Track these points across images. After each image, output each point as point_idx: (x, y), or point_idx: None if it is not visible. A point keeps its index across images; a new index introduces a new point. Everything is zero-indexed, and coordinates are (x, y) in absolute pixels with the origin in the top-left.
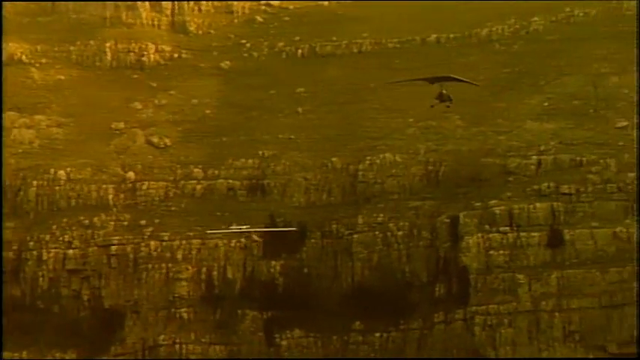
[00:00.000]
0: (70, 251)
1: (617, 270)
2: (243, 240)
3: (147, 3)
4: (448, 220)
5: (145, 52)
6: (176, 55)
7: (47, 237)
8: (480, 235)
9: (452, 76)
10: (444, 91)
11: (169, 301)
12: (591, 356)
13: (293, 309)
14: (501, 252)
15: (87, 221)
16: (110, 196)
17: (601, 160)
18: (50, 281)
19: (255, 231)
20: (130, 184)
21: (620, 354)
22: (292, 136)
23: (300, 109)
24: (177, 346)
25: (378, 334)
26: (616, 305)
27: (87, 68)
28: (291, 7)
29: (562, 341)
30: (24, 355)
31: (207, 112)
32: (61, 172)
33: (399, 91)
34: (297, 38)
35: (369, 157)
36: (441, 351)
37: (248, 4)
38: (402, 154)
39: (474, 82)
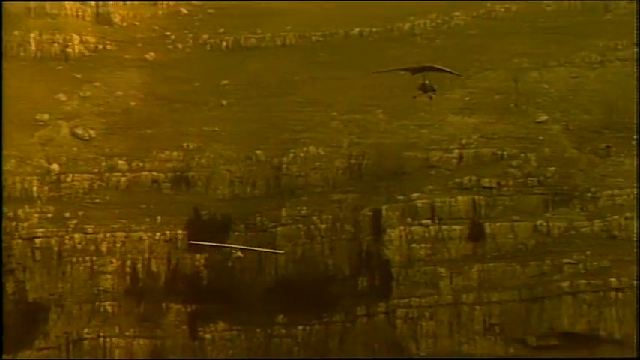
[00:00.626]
0: None
1: (537, 263)
2: (167, 232)
3: None
4: (371, 214)
5: (70, 44)
6: (100, 47)
7: None
8: (402, 228)
9: (434, 65)
10: (427, 82)
11: (94, 295)
12: (511, 349)
13: (217, 302)
14: (423, 245)
15: (11, 213)
16: (34, 188)
17: (521, 155)
18: None
19: (240, 248)
20: (55, 177)
21: (539, 346)
22: (216, 129)
23: (224, 102)
24: (101, 339)
25: (301, 327)
26: (536, 298)
27: (11, 59)
28: None
29: (482, 334)
30: None
31: (132, 104)
32: None
33: (323, 84)
34: (222, 30)
35: (292, 151)
36: (363, 344)
37: None
38: (326, 148)
39: (455, 72)
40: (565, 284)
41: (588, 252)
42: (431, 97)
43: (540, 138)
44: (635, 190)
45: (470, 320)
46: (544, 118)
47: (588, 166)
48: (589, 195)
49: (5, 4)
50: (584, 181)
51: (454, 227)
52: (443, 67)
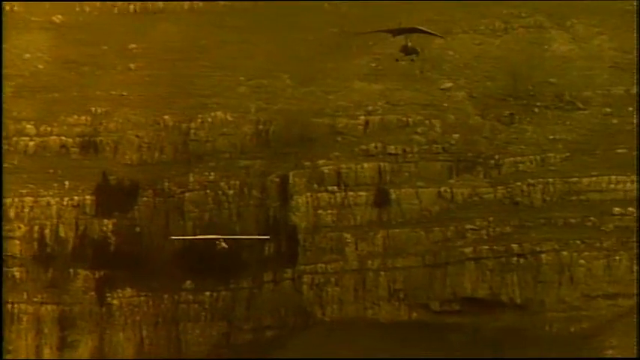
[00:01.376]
0: None
1: (441, 229)
2: (75, 198)
3: None
4: (278, 180)
5: None
6: (8, 8)
7: None
8: (308, 194)
9: (417, 27)
10: (409, 44)
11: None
12: (415, 314)
13: (125, 268)
14: (329, 211)
15: None
16: None
17: (426, 121)
18: None
19: (225, 238)
20: None
21: (442, 311)
22: (124, 93)
23: (132, 66)
24: (9, 305)
25: (208, 293)
26: (439, 264)
27: None
28: None
29: (387, 300)
30: None
31: (40, 67)
32: None
33: (230, 49)
34: None
35: (200, 116)
36: (269, 310)
37: None
38: (233, 113)
39: (437, 34)
40: (468, 250)
41: (491, 218)
42: (413, 60)
43: (445, 105)
44: (538, 157)
45: (374, 286)
46: (449, 84)
47: (492, 133)
48: (492, 162)
49: None
50: (488, 148)
51: (360, 193)
52: (426, 29)
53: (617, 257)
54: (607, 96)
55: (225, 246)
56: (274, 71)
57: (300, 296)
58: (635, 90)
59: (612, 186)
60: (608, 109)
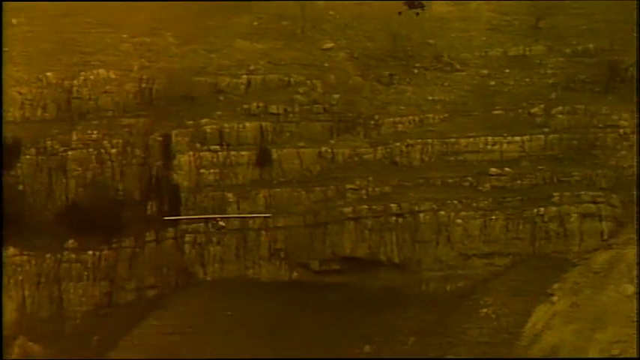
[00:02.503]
0: None
1: (322, 189)
2: None
3: None
4: (161, 138)
5: None
6: None
7: None
8: (191, 153)
9: None
10: None
11: None
12: (295, 274)
13: (7, 227)
14: (212, 170)
15: None
16: None
17: (308, 81)
18: None
19: (222, 217)
20: None
21: (321, 271)
22: (6, 49)
23: (14, 21)
24: None
25: (91, 253)
26: (320, 224)
27: None
28: None
29: (268, 259)
30: None
31: None
32: None
33: (113, 6)
34: None
35: (83, 73)
36: (152, 269)
37: None
38: (116, 71)
39: None
40: (348, 210)
41: (371, 178)
42: (417, 14)
43: (326, 65)
44: (416, 118)
45: (256, 246)
46: (330, 45)
47: (372, 94)
48: (372, 122)
49: None
50: (368, 109)
51: (242, 153)
52: None
53: (493, 217)
54: (484, 58)
55: (224, 225)
56: (157, 29)
57: (182, 255)
58: (512, 52)
59: (489, 147)
60: (485, 71)
